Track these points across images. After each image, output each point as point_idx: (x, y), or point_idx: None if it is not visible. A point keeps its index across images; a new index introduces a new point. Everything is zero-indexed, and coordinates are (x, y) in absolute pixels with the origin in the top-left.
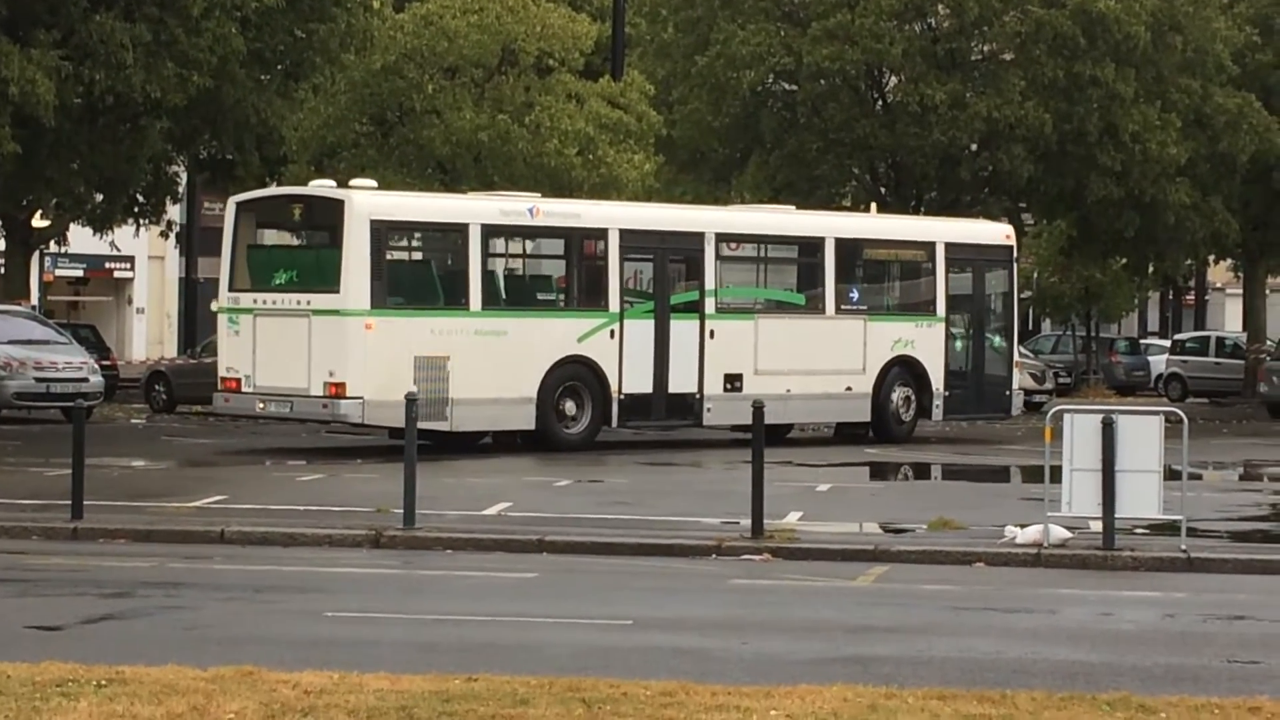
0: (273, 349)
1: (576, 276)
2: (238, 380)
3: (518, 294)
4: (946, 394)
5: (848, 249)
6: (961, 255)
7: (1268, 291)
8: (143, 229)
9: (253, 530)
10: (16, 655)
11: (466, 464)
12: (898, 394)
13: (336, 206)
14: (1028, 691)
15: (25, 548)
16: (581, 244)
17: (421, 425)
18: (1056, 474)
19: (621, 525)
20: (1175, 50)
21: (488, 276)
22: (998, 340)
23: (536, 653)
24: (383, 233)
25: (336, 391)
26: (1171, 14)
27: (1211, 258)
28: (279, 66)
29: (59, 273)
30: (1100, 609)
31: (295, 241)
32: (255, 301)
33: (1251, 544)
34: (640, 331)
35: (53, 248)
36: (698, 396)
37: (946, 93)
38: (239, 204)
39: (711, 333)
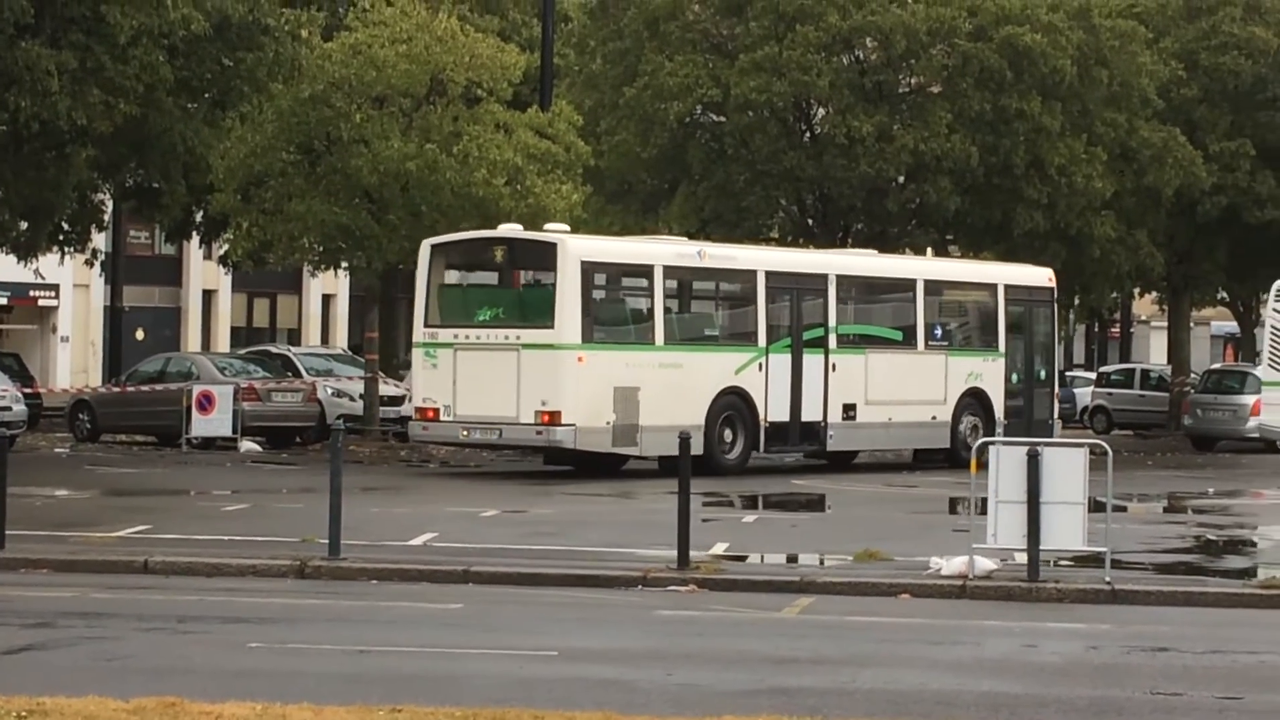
0: (476, 380)
1: (733, 313)
2: (436, 410)
3: (689, 330)
4: (1005, 422)
5: (933, 290)
6: (1016, 296)
7: (1192, 324)
8: (68, 257)
9: (176, 560)
10: None
11: (390, 495)
12: (967, 422)
13: (549, 249)
14: None
15: None
16: (737, 284)
17: (616, 450)
18: (984, 506)
19: (547, 556)
20: (1101, 84)
21: (667, 313)
22: (1043, 373)
23: (461, 684)
24: (589, 273)
25: (550, 419)
26: (1097, 48)
27: (1137, 290)
28: (206, 95)
29: None
30: (1024, 640)
31: (495, 281)
32: (456, 337)
33: (1175, 576)
34: (780, 364)
35: None
36: (823, 424)
37: (874, 125)
38: (433, 246)
39: (834, 366)
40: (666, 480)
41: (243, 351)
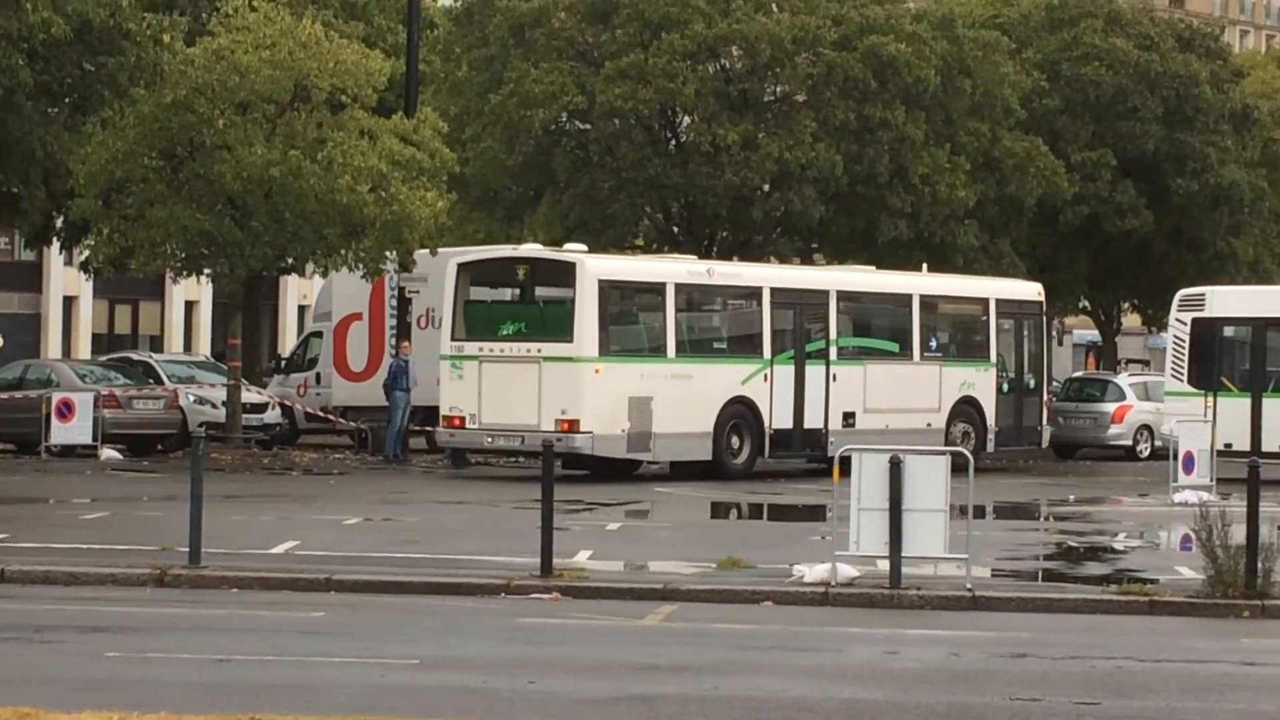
0: (500, 390)
1: (739, 327)
2: (462, 418)
3: (699, 342)
4: (997, 430)
5: (928, 304)
6: (1006, 309)
7: (1055, 333)
8: None
9: (34, 569)
10: None
11: (252, 503)
12: (960, 429)
13: (569, 268)
14: None
15: None
16: (743, 300)
17: (630, 456)
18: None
19: (410, 564)
20: (965, 94)
21: (678, 328)
22: (1032, 383)
23: (322, 692)
24: (606, 290)
25: (569, 427)
26: (961, 58)
27: None
28: (66, 99)
29: None
30: (886, 647)
31: (517, 297)
32: (481, 350)
33: (1035, 582)
34: (784, 375)
35: None
36: (824, 431)
37: (739, 133)
38: (459, 265)
39: (835, 376)
40: (674, 484)
41: (104, 358)
